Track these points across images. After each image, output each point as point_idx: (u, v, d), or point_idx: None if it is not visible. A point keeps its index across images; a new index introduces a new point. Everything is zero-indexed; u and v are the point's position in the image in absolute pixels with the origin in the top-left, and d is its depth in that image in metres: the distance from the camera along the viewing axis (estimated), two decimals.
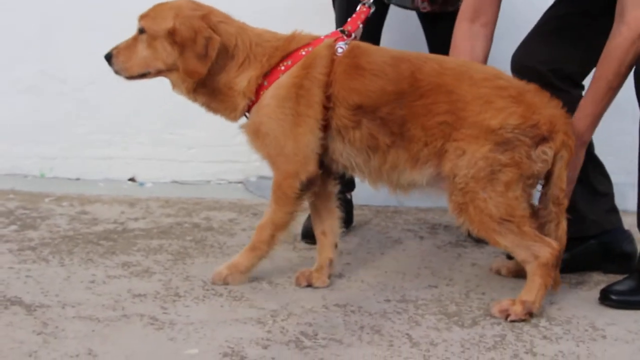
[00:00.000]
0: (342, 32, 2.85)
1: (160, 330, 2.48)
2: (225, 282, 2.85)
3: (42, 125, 4.16)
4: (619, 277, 3.00)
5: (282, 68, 2.71)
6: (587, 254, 3.10)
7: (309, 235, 3.30)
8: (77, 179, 4.23)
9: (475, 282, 2.99)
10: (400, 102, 2.63)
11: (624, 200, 3.90)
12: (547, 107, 2.60)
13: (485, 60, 2.98)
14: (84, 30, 4.09)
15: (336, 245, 2.92)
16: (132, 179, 4.27)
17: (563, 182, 2.61)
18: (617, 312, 2.73)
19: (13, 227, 3.44)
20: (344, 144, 2.72)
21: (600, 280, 3.02)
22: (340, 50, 2.73)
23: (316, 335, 2.49)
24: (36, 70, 4.13)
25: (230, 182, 4.28)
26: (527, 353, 2.42)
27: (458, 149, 2.57)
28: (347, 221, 3.46)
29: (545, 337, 2.52)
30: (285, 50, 2.74)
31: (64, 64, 4.15)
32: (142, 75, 2.80)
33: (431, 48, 3.44)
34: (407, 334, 2.52)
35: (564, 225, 2.64)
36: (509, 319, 2.61)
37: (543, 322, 2.63)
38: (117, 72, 2.80)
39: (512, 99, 2.56)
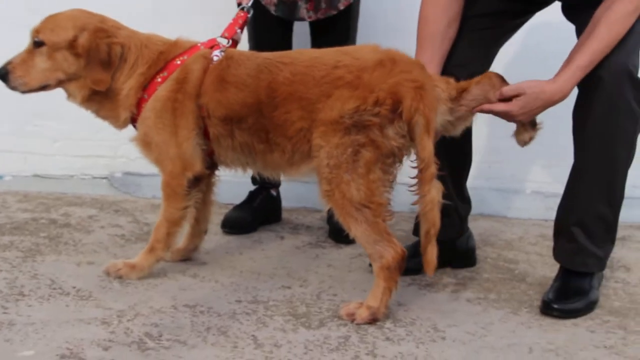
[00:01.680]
0: (226, 38, 2.92)
1: None
2: (118, 276, 2.88)
3: None
4: (468, 277, 3.12)
5: (159, 80, 2.81)
6: (441, 253, 3.19)
7: (227, 225, 3.44)
8: None
9: (328, 283, 3.03)
10: (261, 113, 2.71)
11: (482, 204, 4.08)
12: (389, 79, 2.55)
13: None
14: None
15: (206, 232, 3.13)
16: None
17: (424, 150, 2.55)
18: (460, 314, 2.81)
19: None
20: (226, 149, 2.81)
21: (448, 282, 3.10)
22: (215, 58, 2.79)
23: (161, 336, 2.47)
24: None
25: (94, 178, 4.20)
26: (368, 354, 2.46)
27: (316, 146, 2.63)
28: (275, 218, 3.65)
29: (388, 339, 2.58)
30: (167, 57, 2.82)
31: None
32: (42, 88, 2.83)
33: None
34: (253, 335, 2.53)
35: (431, 195, 2.57)
36: (355, 322, 2.65)
37: (388, 324, 2.69)
38: (13, 88, 2.81)
39: (348, 86, 2.58)
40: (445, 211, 3.09)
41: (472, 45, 2.97)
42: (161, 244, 2.89)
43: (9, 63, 2.78)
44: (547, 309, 2.83)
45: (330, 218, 3.44)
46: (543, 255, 3.52)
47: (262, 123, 2.71)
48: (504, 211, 4.20)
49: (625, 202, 3.99)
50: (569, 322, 2.80)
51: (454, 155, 2.99)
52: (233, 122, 2.75)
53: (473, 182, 4.00)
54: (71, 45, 2.74)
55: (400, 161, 2.66)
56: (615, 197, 2.87)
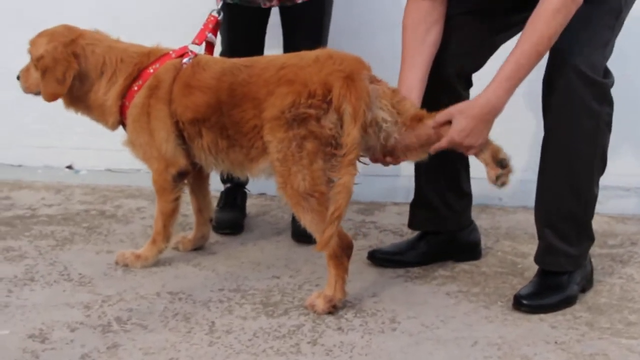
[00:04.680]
0: (197, 44, 3.18)
1: None
2: (125, 264, 3.20)
3: None
4: (464, 270, 3.19)
5: (135, 89, 3.13)
6: (439, 246, 3.27)
7: (223, 227, 3.58)
8: (19, 166, 4.56)
9: (319, 274, 3.18)
10: (222, 111, 2.96)
11: (529, 196, 4.06)
12: (322, 72, 2.73)
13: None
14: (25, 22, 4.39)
15: (211, 220, 3.39)
16: (69, 167, 4.58)
17: (348, 136, 2.67)
18: (427, 307, 2.90)
19: None
20: (198, 150, 3.09)
21: (440, 275, 3.18)
22: (185, 66, 3.07)
23: (128, 320, 2.75)
24: None
25: None
26: (309, 343, 2.62)
27: (267, 142, 2.85)
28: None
29: (339, 329, 2.72)
30: (140, 67, 3.13)
31: (6, 54, 4.45)
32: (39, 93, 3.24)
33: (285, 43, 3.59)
34: (212, 322, 2.75)
35: (344, 180, 2.68)
36: (316, 312, 2.81)
37: (349, 314, 2.83)
38: (24, 91, 3.29)
39: (287, 83, 2.78)
40: (429, 205, 3.17)
41: (459, 44, 3.01)
42: (160, 235, 3.19)
43: (21, 70, 3.24)
44: (517, 304, 2.86)
45: (293, 219, 3.55)
46: None
47: (222, 121, 2.96)
48: None
49: None
50: (535, 317, 2.82)
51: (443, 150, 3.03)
52: (199, 123, 3.01)
53: (522, 174, 4.01)
54: (38, 61, 3.11)
55: (336, 151, 2.76)
56: (582, 194, 2.86)
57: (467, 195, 3.31)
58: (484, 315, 2.84)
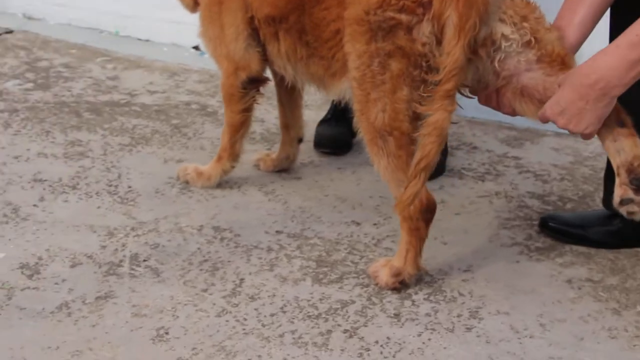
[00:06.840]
0: None
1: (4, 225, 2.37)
2: (185, 180, 2.72)
3: None
4: None
5: None
6: None
7: (321, 144, 3.00)
8: (147, 40, 4.17)
9: None
10: (303, 9, 2.31)
11: None
12: None
13: None
14: None
15: (300, 140, 2.82)
16: (196, 47, 4.13)
17: (449, 56, 1.95)
18: (531, 299, 2.16)
19: (29, 85, 3.46)
20: (275, 56, 2.50)
21: (573, 250, 2.39)
22: None
23: (144, 261, 2.25)
24: None
25: None
26: (345, 332, 1.99)
27: (346, 54, 2.15)
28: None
29: (395, 316, 2.06)
30: None
31: None
32: None
33: None
34: (242, 279, 2.19)
35: (436, 118, 1.95)
36: (377, 285, 2.16)
37: (421, 295, 2.15)
38: None
39: None
40: None
41: None
42: (226, 152, 2.65)
43: None
44: None
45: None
46: None
47: (302, 22, 2.30)
48: None
49: None
50: None
51: None
52: (277, 22, 2.39)
53: None
54: None
55: (426, 75, 2.03)
56: None
57: None
58: (607, 325, 2.05)
